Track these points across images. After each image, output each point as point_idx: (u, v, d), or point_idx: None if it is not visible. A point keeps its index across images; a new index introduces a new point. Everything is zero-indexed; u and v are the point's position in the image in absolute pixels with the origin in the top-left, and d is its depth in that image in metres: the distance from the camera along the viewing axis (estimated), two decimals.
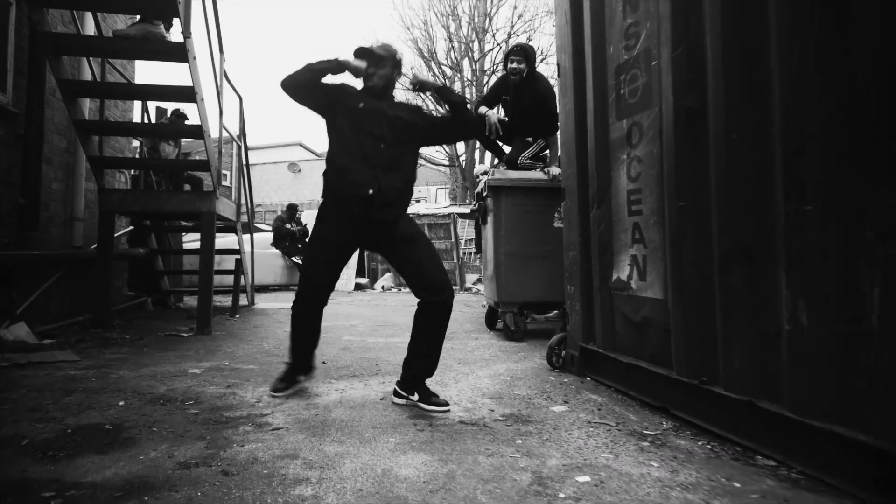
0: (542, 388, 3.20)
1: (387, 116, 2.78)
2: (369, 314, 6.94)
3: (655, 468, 1.99)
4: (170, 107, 7.31)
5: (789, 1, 1.94)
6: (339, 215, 2.78)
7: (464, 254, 12.07)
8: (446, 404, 2.66)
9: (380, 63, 2.85)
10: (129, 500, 1.67)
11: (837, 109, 1.81)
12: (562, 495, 1.75)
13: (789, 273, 1.94)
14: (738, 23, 2.18)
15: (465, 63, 18.09)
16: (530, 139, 5.03)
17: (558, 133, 5.03)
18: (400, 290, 12.13)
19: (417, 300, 2.77)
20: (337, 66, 2.80)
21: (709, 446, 2.24)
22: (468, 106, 2.93)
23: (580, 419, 2.60)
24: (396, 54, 2.92)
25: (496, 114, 4.93)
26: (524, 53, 4.96)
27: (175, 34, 4.42)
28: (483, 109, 5.05)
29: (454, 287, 11.52)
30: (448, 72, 18.17)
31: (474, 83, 18.06)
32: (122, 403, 2.71)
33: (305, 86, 2.80)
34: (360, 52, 2.84)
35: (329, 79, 2.86)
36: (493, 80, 18.29)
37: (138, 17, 4.29)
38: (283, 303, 8.03)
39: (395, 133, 2.78)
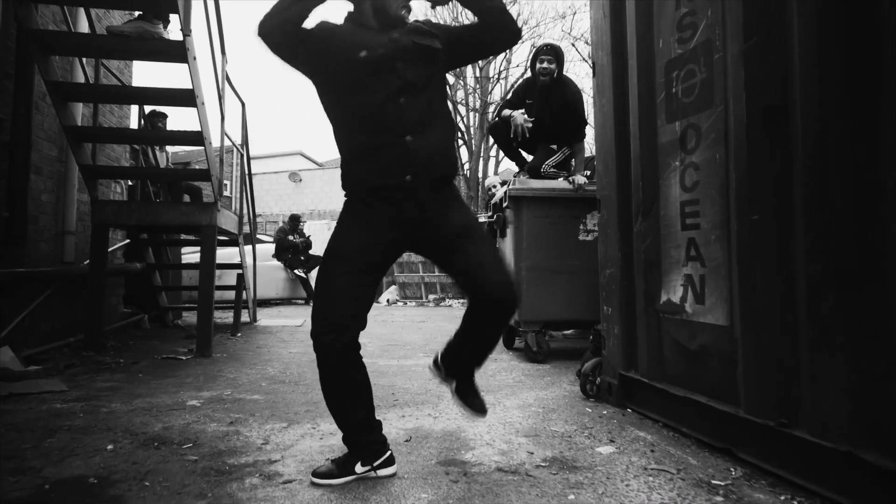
0: (581, 422, 2.86)
1: (400, 49, 1.98)
2: (378, 332, 6.60)
3: None
4: (172, 112, 7.02)
5: None
6: (371, 217, 2.02)
7: None
8: (484, 411, 2.22)
9: None
10: None
11: None
12: None
13: None
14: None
15: (469, 69, 17.85)
16: (554, 147, 4.72)
17: (584, 141, 4.74)
18: (406, 303, 11.79)
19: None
20: None
21: (795, 501, 1.91)
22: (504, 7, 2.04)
23: (634, 464, 2.26)
24: None
25: (523, 116, 4.62)
26: (555, 53, 4.68)
27: (173, 32, 4.12)
28: (507, 112, 4.74)
29: (461, 300, 11.23)
30: (451, 79, 17.93)
31: (478, 90, 17.83)
32: (110, 448, 2.37)
33: (291, 28, 1.98)
34: None
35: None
36: (497, 87, 18.12)
37: (136, 14, 3.98)
38: (286, 319, 7.70)
39: (416, 70, 1.99)
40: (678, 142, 2.64)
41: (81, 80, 4.69)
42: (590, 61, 3.41)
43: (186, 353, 4.63)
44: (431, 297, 11.66)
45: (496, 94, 17.50)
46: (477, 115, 17.55)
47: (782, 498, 1.94)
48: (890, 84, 1.70)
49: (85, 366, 4.07)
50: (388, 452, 2.13)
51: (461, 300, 11.34)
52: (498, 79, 17.46)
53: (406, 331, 6.75)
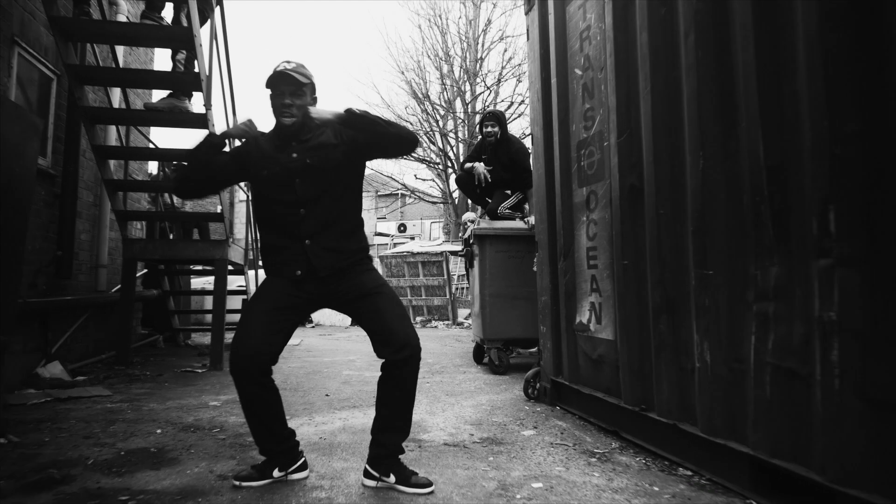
0: (517, 415, 3.71)
1: (301, 166, 2.34)
2: (367, 350, 7.38)
3: (596, 477, 2.51)
4: None
5: (699, 118, 2.52)
6: (277, 291, 2.40)
7: (456, 289, 12.61)
8: (430, 484, 2.32)
9: (297, 92, 2.35)
10: (187, 501, 2.18)
11: (731, 200, 2.38)
12: (518, 496, 2.27)
13: (698, 323, 2.49)
14: (664, 121, 2.76)
15: (458, 103, 18.84)
16: (509, 192, 5.63)
17: (531, 189, 5.66)
18: None
19: (381, 362, 2.38)
20: (221, 141, 2.44)
21: (644, 461, 2.76)
22: (385, 122, 2.41)
23: (544, 441, 3.11)
24: (313, 78, 2.43)
25: (482, 166, 5.55)
26: (496, 118, 5.70)
27: (196, 104, 5.03)
28: (469, 165, 5.68)
29: (446, 322, 12.06)
30: (441, 111, 18.90)
31: (466, 122, 18.79)
32: (159, 431, 3.21)
33: (202, 176, 2.45)
34: (274, 80, 2.32)
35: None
36: (484, 114, 19.09)
37: (167, 92, 4.89)
38: None
39: (313, 185, 2.35)
40: (585, 203, 3.54)
41: (114, 139, 5.59)
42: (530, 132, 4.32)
43: (201, 367, 5.47)
44: (419, 319, 12.49)
45: None
46: (464, 145, 18.52)
47: (637, 459, 2.79)
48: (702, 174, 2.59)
49: (119, 377, 4.90)
50: (302, 459, 2.50)
51: (446, 321, 12.19)
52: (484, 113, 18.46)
53: None
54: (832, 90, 1.87)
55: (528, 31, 4.27)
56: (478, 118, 18.40)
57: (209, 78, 4.66)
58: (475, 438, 3.16)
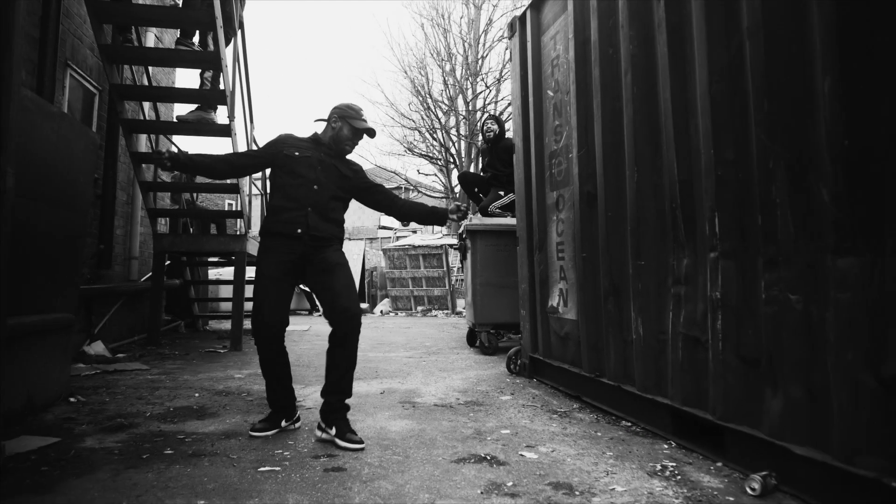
0: (499, 386, 4.35)
1: (322, 162, 3.04)
2: (369, 335, 8.10)
3: (554, 427, 3.15)
4: None
5: (635, 140, 3.14)
6: (275, 252, 2.94)
7: (455, 280, 13.24)
8: (361, 442, 2.72)
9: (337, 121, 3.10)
10: (230, 439, 2.83)
11: (657, 206, 3.01)
12: (489, 438, 2.91)
13: (635, 303, 3.12)
14: (611, 140, 3.38)
15: (460, 101, 19.38)
16: (502, 193, 6.26)
17: None
18: (397, 314, 13.29)
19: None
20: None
21: (595, 417, 3.40)
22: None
23: (517, 404, 3.75)
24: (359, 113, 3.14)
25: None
26: (496, 120, 6.33)
27: (220, 116, 5.67)
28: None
29: (445, 311, 12.70)
30: (443, 107, 19.45)
31: (468, 119, 19.32)
32: (197, 395, 3.86)
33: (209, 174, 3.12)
34: (366, 131, 3.11)
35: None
36: (486, 116, 19.64)
37: (195, 105, 5.53)
38: (294, 325, 9.19)
39: (328, 176, 3.03)
40: (555, 204, 4.16)
41: (144, 145, 6.24)
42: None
43: (223, 348, 6.13)
44: (419, 308, 13.15)
45: None
46: (465, 141, 19.08)
47: (590, 415, 3.43)
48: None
49: (151, 356, 5.57)
50: (298, 413, 3.12)
51: (445, 311, 12.84)
52: (485, 111, 19.01)
53: (393, 334, 8.25)
54: (717, 126, 2.49)
55: (510, 54, 4.88)
56: (479, 116, 18.98)
57: (233, 93, 5.29)
58: (461, 402, 3.80)
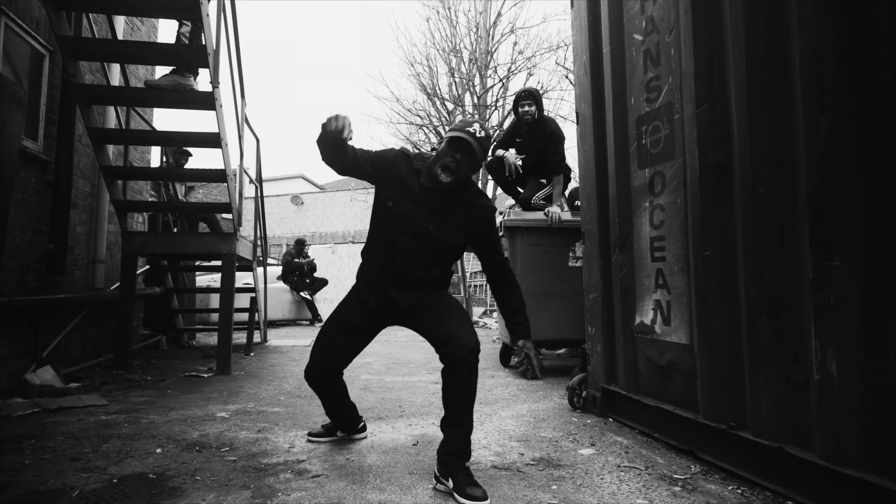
0: (567, 429, 3.25)
1: (421, 227, 2.40)
2: (383, 351, 6.99)
3: None
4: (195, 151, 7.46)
5: (819, 73, 2.05)
6: (358, 301, 2.62)
7: (470, 286, 12.14)
8: (485, 497, 2.14)
9: (468, 153, 2.32)
10: None
11: (867, 172, 1.92)
12: None
13: (818, 325, 2.02)
14: (763, 82, 2.29)
15: (467, 97, 18.37)
16: (543, 181, 5.16)
17: (562, 174, 5.18)
18: None
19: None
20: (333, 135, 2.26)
21: (739, 491, 2.29)
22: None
23: (609, 463, 2.65)
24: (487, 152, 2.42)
25: (513, 155, 5.09)
26: (533, 97, 5.18)
27: (202, 83, 4.58)
28: (500, 152, 5.21)
29: None
30: (450, 105, 18.44)
31: (476, 116, 18.35)
32: (159, 451, 2.76)
33: (331, 152, 2.40)
34: (458, 142, 2.31)
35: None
36: (496, 113, 18.66)
37: (170, 68, 4.44)
38: (294, 339, 8.09)
39: (421, 246, 2.43)
40: (647, 186, 3.07)
41: (114, 123, 5.14)
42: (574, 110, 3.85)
43: (207, 371, 5.02)
44: None
45: (493, 120, 18.03)
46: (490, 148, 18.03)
47: (730, 488, 2.33)
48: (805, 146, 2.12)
49: (117, 383, 4.46)
50: (362, 423, 3.04)
51: None
52: (495, 106, 17.98)
53: (409, 350, 7.13)
54: None
55: None
56: (487, 113, 17.99)
57: (216, 52, 4.20)
58: (527, 459, 2.70)
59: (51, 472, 2.43)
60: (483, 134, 2.33)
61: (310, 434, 2.99)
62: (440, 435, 3.09)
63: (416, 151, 2.57)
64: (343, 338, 2.64)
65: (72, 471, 2.45)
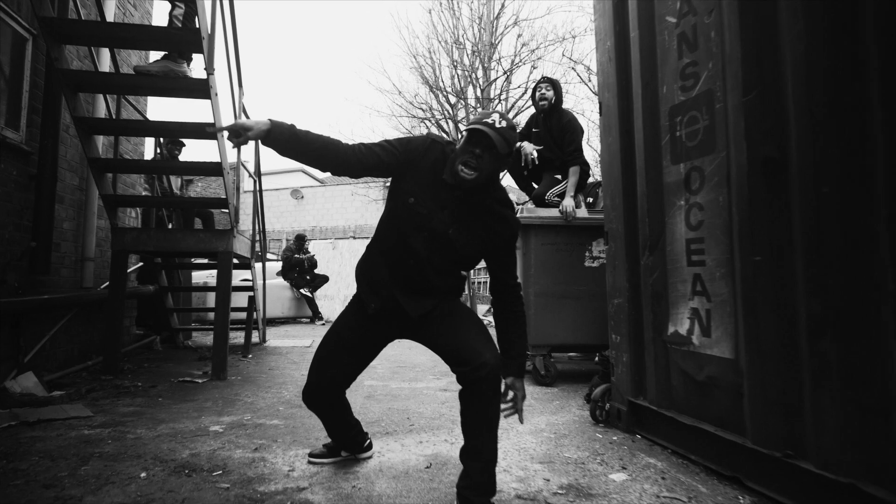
0: (593, 448, 2.98)
1: (440, 229, 2.12)
2: (386, 353, 6.68)
3: None
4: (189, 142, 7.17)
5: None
6: (360, 309, 2.34)
7: (475, 282, 11.86)
8: None
9: (490, 149, 2.03)
10: None
11: None
12: None
13: None
14: (828, 65, 2.00)
15: (470, 90, 18.03)
16: (559, 177, 4.87)
17: (577, 165, 4.88)
18: None
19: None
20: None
21: None
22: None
23: (646, 491, 2.37)
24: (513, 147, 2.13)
25: (530, 145, 4.81)
26: (552, 82, 4.93)
27: (195, 70, 4.29)
28: (517, 143, 4.93)
29: None
30: (452, 99, 18.10)
31: (479, 108, 18.02)
32: (143, 475, 2.48)
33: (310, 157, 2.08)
34: (478, 136, 2.02)
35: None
36: (500, 107, 18.33)
37: (161, 53, 4.14)
38: (294, 339, 7.81)
39: (434, 249, 2.15)
40: (683, 182, 2.78)
41: (103, 113, 4.85)
42: (596, 98, 3.56)
43: (202, 376, 4.74)
44: None
45: None
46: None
47: None
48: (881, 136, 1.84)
49: (105, 390, 4.18)
50: (367, 441, 2.76)
51: None
52: (499, 100, 17.65)
53: (413, 352, 6.85)
54: None
55: None
56: (490, 106, 17.68)
57: (211, 37, 3.90)
58: (553, 487, 2.43)
59: (19, 502, 2.15)
60: (504, 124, 2.04)
61: (311, 455, 2.71)
62: (454, 454, 2.84)
63: (448, 139, 2.26)
64: (344, 355, 2.37)
65: (42, 502, 2.17)
